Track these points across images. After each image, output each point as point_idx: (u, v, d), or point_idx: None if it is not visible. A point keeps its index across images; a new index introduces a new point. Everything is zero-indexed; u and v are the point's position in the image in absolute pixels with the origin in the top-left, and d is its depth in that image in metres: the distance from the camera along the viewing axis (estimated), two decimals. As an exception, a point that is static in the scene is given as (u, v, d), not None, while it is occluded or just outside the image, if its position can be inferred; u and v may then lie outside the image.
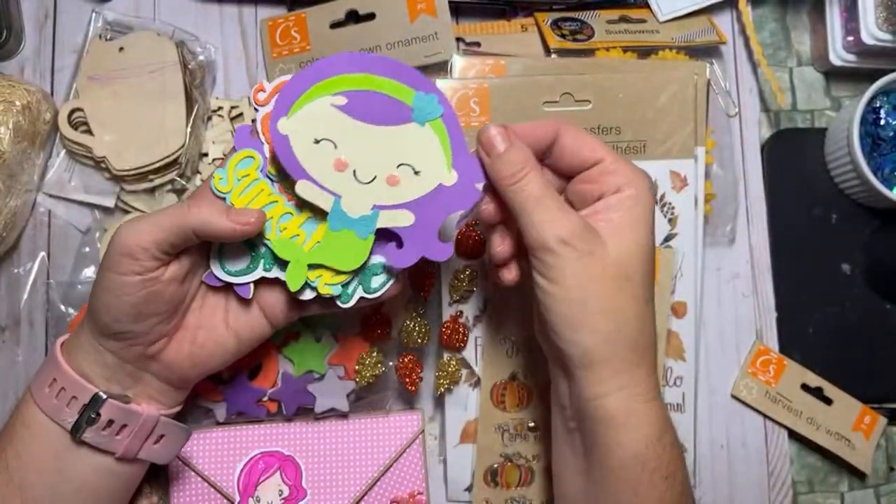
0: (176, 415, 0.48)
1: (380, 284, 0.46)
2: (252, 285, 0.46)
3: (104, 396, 0.44)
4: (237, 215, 0.43)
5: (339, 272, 0.45)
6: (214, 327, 0.47)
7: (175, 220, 0.42)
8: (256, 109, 0.45)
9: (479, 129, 0.44)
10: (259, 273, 0.46)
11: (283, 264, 0.45)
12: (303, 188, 0.44)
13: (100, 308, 0.43)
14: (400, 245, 0.45)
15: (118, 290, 0.42)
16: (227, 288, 0.47)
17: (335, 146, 0.44)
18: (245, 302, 0.47)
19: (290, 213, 0.45)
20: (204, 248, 0.46)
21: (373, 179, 0.44)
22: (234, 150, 0.46)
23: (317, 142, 0.44)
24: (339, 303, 0.46)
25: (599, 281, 0.41)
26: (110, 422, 0.44)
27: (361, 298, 0.46)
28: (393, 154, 0.44)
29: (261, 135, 0.45)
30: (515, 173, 0.43)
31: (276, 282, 0.46)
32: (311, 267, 0.45)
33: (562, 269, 0.41)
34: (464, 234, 0.54)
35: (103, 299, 0.43)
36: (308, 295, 0.46)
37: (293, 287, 0.44)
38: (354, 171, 0.44)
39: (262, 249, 0.46)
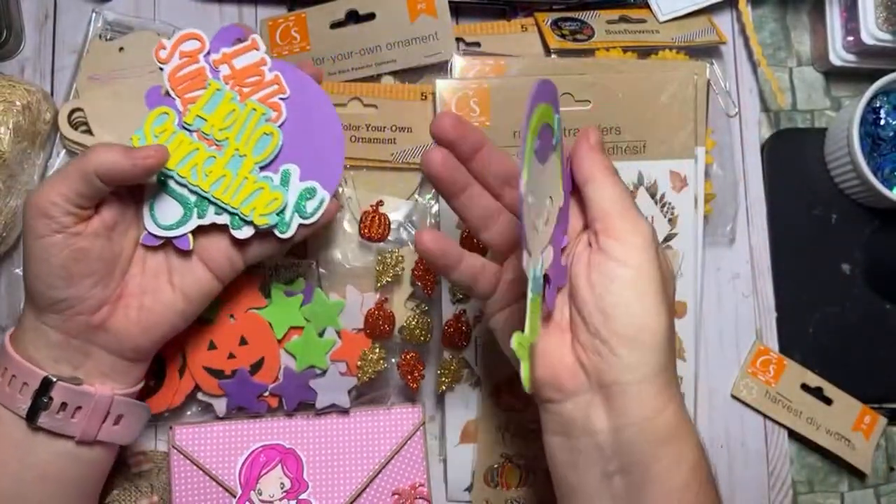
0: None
1: (314, 208, 0.47)
2: (191, 236, 0.46)
3: (54, 379, 0.44)
4: (137, 152, 0.43)
5: (273, 200, 0.46)
6: (159, 290, 0.47)
7: (76, 168, 0.42)
8: (161, 68, 0.47)
9: (585, 129, 0.42)
10: (195, 221, 0.46)
11: (217, 209, 0.46)
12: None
13: (32, 279, 0.44)
14: (546, 281, 0.40)
15: (43, 253, 0.43)
16: (167, 248, 0.47)
17: (551, 200, 0.40)
18: (186, 258, 0.47)
19: (214, 157, 0.46)
20: (130, 205, 0.46)
21: (545, 223, 0.40)
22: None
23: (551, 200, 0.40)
24: (278, 233, 0.46)
25: (662, 273, 0.40)
26: (63, 405, 0.44)
27: (300, 226, 0.47)
28: (550, 189, 0.41)
29: (171, 91, 0.47)
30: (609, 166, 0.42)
31: (213, 230, 0.47)
32: (245, 200, 0.46)
33: (644, 253, 0.39)
34: (468, 236, 0.54)
35: (33, 269, 0.43)
36: (246, 232, 0.46)
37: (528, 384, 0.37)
38: (536, 226, 0.38)
39: (194, 198, 0.46)
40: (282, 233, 0.47)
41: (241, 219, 0.46)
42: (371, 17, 0.59)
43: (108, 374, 0.46)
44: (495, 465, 0.56)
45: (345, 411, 0.56)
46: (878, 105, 0.60)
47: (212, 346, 0.54)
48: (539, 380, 0.42)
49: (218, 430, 0.55)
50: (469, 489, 0.57)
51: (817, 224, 0.62)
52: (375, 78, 0.59)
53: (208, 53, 0.47)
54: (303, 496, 0.54)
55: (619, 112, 0.56)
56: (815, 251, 0.62)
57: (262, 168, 0.47)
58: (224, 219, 0.46)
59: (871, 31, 0.59)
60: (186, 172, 0.46)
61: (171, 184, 0.46)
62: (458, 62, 0.57)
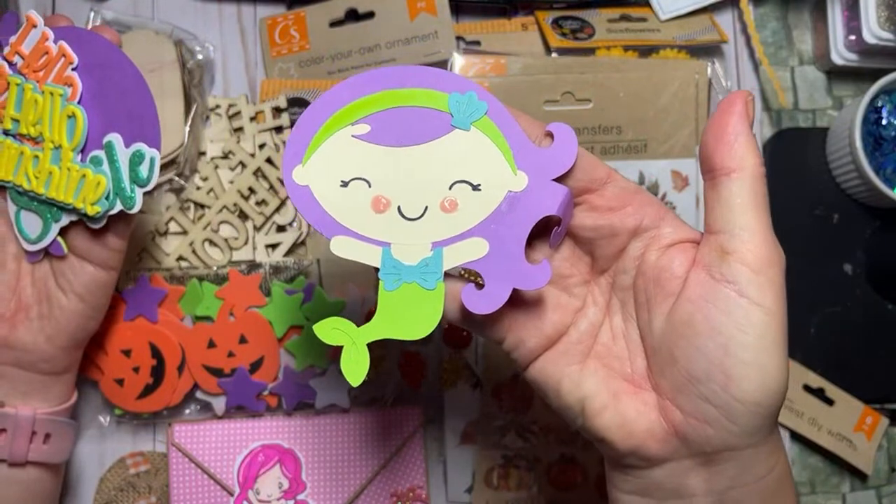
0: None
1: (148, 171, 0.42)
2: (61, 240, 0.45)
3: None
4: None
5: (97, 184, 0.42)
6: (52, 296, 0.46)
7: None
8: None
9: (734, 94, 0.34)
10: (54, 228, 0.44)
11: (68, 211, 0.44)
12: (339, 246, 0.36)
13: None
14: (480, 284, 0.35)
15: None
16: (48, 254, 0.46)
17: (369, 184, 0.35)
18: (66, 260, 0.45)
19: (37, 157, 0.44)
20: (1, 222, 0.46)
21: (424, 212, 0.35)
22: None
23: (345, 184, 0.36)
24: (128, 210, 0.43)
25: None
26: None
27: (145, 194, 0.43)
28: (441, 174, 0.35)
29: None
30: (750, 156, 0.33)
31: (79, 224, 0.44)
32: (76, 193, 0.42)
33: (782, 292, 0.32)
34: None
35: None
36: (100, 221, 0.43)
37: (356, 380, 0.36)
38: (399, 208, 0.36)
39: (42, 205, 0.45)
40: (131, 208, 0.43)
41: (81, 214, 0.44)
42: (370, 15, 0.59)
43: (28, 394, 0.46)
44: (495, 467, 0.56)
45: (344, 411, 0.55)
46: (880, 104, 0.59)
47: (211, 345, 0.53)
48: (617, 448, 0.35)
49: (217, 429, 0.54)
50: (469, 490, 0.57)
51: (819, 224, 0.62)
52: (375, 77, 0.59)
53: (1, 50, 0.45)
54: (301, 496, 0.54)
55: (620, 111, 0.55)
56: (816, 251, 0.62)
57: (82, 150, 0.43)
58: (75, 215, 0.44)
59: (873, 30, 0.59)
60: (21, 180, 0.44)
61: (17, 195, 0.45)
62: (458, 61, 0.57)
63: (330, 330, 0.36)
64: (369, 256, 0.36)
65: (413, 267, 0.35)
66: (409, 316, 0.35)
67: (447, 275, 0.36)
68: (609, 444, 0.35)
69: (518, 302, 0.36)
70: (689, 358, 0.33)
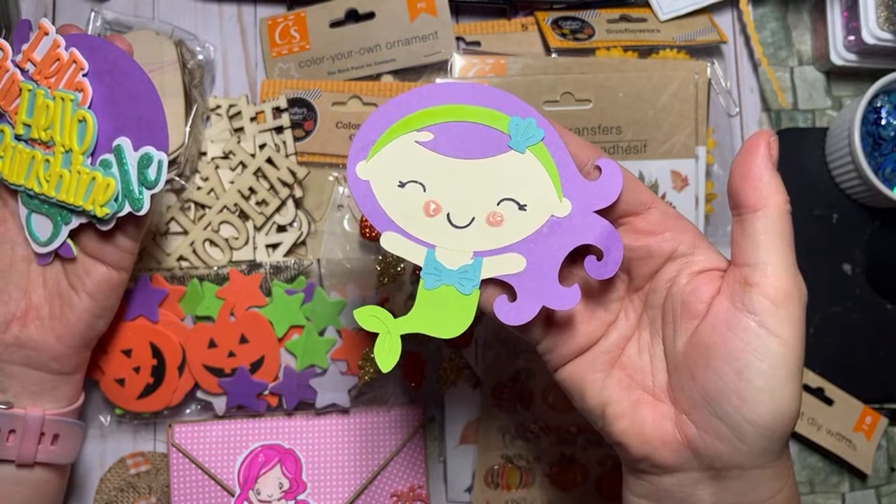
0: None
1: (156, 174, 0.43)
2: (71, 242, 0.46)
3: None
4: None
5: (106, 187, 0.43)
6: (63, 295, 0.46)
7: None
8: None
9: (759, 134, 0.36)
10: (65, 230, 0.45)
11: (77, 214, 0.45)
12: (389, 241, 0.38)
13: None
14: (513, 296, 0.37)
15: None
16: (59, 257, 0.47)
17: (424, 188, 0.38)
18: (77, 260, 0.46)
19: (48, 161, 0.45)
20: (10, 224, 0.47)
21: (471, 222, 0.38)
22: None
23: (402, 185, 0.38)
24: (136, 212, 0.44)
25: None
26: None
27: (152, 196, 0.44)
28: (492, 189, 0.38)
29: None
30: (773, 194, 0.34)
31: (89, 226, 0.45)
32: (85, 196, 0.43)
33: (801, 325, 0.33)
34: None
35: None
36: (109, 223, 0.45)
37: (386, 366, 0.38)
38: (448, 215, 0.38)
39: (52, 208, 0.45)
40: (139, 210, 0.44)
41: (91, 215, 0.45)
42: (371, 16, 0.59)
43: (38, 394, 0.47)
44: (495, 466, 0.56)
45: (345, 411, 0.55)
46: (879, 105, 0.60)
47: (212, 344, 0.53)
48: (631, 453, 0.37)
49: (217, 429, 0.55)
50: (469, 490, 0.57)
51: (818, 224, 0.62)
52: (375, 77, 0.59)
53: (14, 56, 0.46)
54: (301, 497, 0.54)
55: (620, 111, 0.55)
56: (816, 251, 0.62)
57: (92, 154, 0.44)
58: (85, 217, 0.45)
59: (872, 30, 0.59)
60: (32, 183, 0.45)
61: (28, 198, 0.46)
62: (458, 61, 0.57)
63: (368, 317, 0.38)
64: (414, 255, 0.38)
65: (453, 271, 0.38)
66: (443, 316, 0.38)
67: (485, 282, 0.38)
68: (625, 448, 0.37)
69: (554, 313, 0.38)
70: (707, 378, 0.34)
